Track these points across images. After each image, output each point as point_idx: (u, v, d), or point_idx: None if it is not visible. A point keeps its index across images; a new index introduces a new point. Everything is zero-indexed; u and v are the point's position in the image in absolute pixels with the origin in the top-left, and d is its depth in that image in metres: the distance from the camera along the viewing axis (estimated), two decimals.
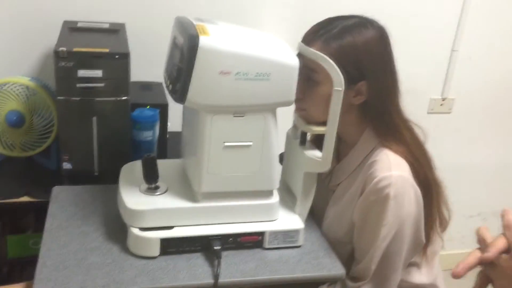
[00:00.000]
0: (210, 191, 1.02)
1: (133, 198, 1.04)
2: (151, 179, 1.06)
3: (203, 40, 0.89)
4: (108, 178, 1.30)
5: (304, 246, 1.11)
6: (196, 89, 0.91)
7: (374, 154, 1.07)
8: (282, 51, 0.96)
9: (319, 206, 1.20)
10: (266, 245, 1.08)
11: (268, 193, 1.08)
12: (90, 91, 1.23)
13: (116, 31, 1.50)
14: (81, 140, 1.27)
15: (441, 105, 2.20)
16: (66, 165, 1.30)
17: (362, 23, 1.04)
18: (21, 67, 1.59)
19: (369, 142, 1.09)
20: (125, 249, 1.03)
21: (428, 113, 2.19)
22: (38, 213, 1.51)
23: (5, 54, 1.57)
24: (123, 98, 1.26)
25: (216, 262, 1.00)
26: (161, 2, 1.70)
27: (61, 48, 1.17)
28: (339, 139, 1.15)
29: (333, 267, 1.06)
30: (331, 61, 0.98)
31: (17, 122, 1.41)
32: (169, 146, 1.54)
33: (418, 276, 1.17)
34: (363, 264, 1.08)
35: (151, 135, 1.40)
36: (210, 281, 0.97)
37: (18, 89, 1.42)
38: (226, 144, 0.98)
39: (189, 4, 1.71)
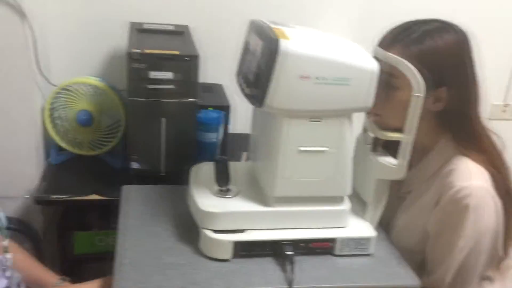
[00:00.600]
0: (283, 196, 1.02)
1: (206, 200, 1.04)
2: (223, 181, 1.06)
3: (283, 44, 0.88)
4: (174, 179, 1.32)
5: (375, 255, 1.09)
6: (275, 93, 0.91)
7: (452, 162, 1.03)
8: (361, 55, 0.95)
9: (386, 213, 1.18)
10: (337, 252, 1.06)
11: (339, 199, 1.06)
12: (160, 92, 1.25)
13: (181, 33, 1.52)
14: (149, 141, 1.29)
15: (503, 111, 2.12)
16: (134, 165, 1.32)
17: (443, 27, 1.01)
18: (88, 68, 1.63)
19: (446, 150, 1.06)
20: (197, 250, 1.04)
21: (489, 119, 2.12)
22: (102, 211, 1.55)
23: (74, 55, 1.61)
24: (192, 100, 1.28)
25: (288, 267, 1.00)
26: (222, 5, 1.71)
27: (134, 50, 1.19)
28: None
29: (407, 277, 1.03)
30: (411, 66, 0.96)
31: (87, 121, 1.45)
32: (228, 147, 1.55)
33: None
34: (437, 275, 1.05)
35: (215, 137, 1.42)
36: (284, 286, 0.97)
37: (88, 89, 1.46)
38: (301, 148, 0.98)
39: (250, 6, 1.72)
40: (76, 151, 1.50)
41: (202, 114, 1.38)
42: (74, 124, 1.46)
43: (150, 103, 1.25)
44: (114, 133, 1.48)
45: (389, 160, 1.07)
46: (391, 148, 1.12)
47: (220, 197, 1.06)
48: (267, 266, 1.02)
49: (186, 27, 1.58)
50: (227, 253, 1.01)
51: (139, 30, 1.49)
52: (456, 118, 1.03)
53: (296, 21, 1.73)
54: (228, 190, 1.07)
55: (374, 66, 0.93)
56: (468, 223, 0.99)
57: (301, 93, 0.92)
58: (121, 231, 1.08)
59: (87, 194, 1.38)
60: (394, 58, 0.98)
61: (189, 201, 1.11)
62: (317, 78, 0.90)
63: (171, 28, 1.56)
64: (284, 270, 1.01)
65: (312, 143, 0.98)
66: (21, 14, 1.22)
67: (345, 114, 0.97)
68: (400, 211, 1.15)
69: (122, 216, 1.14)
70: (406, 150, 1.02)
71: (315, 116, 0.96)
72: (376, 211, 1.12)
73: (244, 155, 1.68)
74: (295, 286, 0.96)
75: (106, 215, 1.55)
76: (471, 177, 0.99)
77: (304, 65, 0.90)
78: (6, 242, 1.04)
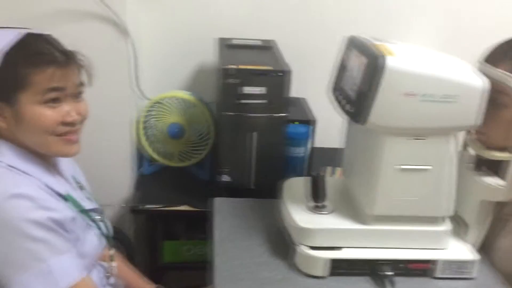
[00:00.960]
0: (381, 214, 1.00)
1: (301, 215, 1.04)
2: (319, 197, 1.06)
3: (390, 61, 0.87)
4: (263, 192, 1.32)
5: (477, 279, 1.04)
6: (379, 110, 0.89)
7: None
8: (469, 72, 0.91)
9: (486, 235, 1.12)
10: (437, 274, 1.02)
11: (440, 220, 1.03)
12: (251, 107, 1.26)
13: (269, 48, 1.54)
14: (239, 154, 1.31)
15: None
16: (225, 178, 1.34)
17: None
18: (178, 82, 1.69)
19: None
20: (292, 266, 1.03)
21: None
22: (189, 221, 1.59)
23: (165, 70, 1.67)
24: (282, 114, 1.28)
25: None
26: (306, 20, 1.71)
27: (230, 66, 1.22)
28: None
29: None
30: None
31: (178, 133, 1.50)
32: (313, 162, 1.54)
33: None
34: None
35: (303, 151, 1.41)
36: None
37: (179, 103, 1.51)
38: (403, 167, 0.95)
39: (333, 21, 1.70)
40: (166, 162, 1.55)
41: (290, 129, 1.39)
42: (166, 136, 1.51)
43: (241, 117, 1.27)
44: (203, 145, 1.52)
45: (494, 181, 1.02)
46: (492, 167, 1.07)
47: (315, 213, 1.05)
48: (364, 285, 1.00)
49: (273, 41, 1.60)
50: (324, 271, 1.01)
51: (228, 46, 1.52)
52: None
53: (384, 34, 1.70)
54: (323, 207, 1.06)
55: (484, 83, 0.90)
56: None
57: (406, 110, 0.90)
58: (217, 243, 1.10)
59: (178, 205, 1.42)
60: (503, 74, 0.94)
61: (282, 216, 1.11)
62: (423, 95, 0.88)
63: (258, 43, 1.58)
64: None
65: (414, 162, 0.95)
66: (125, 32, 1.29)
67: (450, 132, 0.94)
68: (503, 233, 1.09)
69: (216, 228, 1.16)
70: None
71: (419, 134, 0.93)
72: (479, 233, 1.07)
73: (328, 169, 1.66)
74: None
75: (193, 226, 1.60)
76: None
77: (410, 82, 0.88)
78: (112, 251, 1.09)
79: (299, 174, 1.42)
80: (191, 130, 1.52)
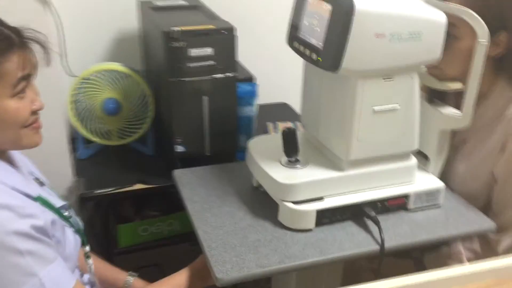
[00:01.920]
0: (358, 158, 1.01)
1: (279, 172, 1.03)
2: (292, 152, 1.05)
3: (358, 3, 0.86)
4: (219, 158, 1.29)
5: (444, 205, 1.11)
6: (351, 55, 0.89)
7: None
8: (429, 9, 0.94)
9: None
10: (411, 207, 1.08)
11: (407, 155, 1.07)
12: (200, 69, 1.20)
13: (197, 7, 1.47)
14: (193, 122, 1.26)
15: None
16: (179, 148, 1.28)
17: None
18: (103, 54, 1.56)
19: (503, 93, 1.08)
20: (278, 224, 1.03)
21: None
22: (140, 200, 1.51)
23: (87, 43, 1.53)
24: (232, 74, 1.24)
25: (373, 228, 1.01)
26: None
27: (174, 29, 1.14)
28: (460, 92, 1.13)
29: (482, 222, 1.06)
30: (475, 14, 0.96)
31: (114, 109, 1.39)
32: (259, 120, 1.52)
33: None
34: (509, 215, 1.08)
35: (251, 110, 1.39)
36: (376, 247, 0.97)
37: (110, 76, 1.39)
38: (376, 108, 0.97)
39: None
40: (105, 142, 1.44)
41: (240, 88, 1.35)
42: (101, 114, 1.40)
43: (190, 82, 1.21)
44: (143, 119, 1.43)
45: (450, 110, 1.08)
46: (442, 99, 1.14)
47: (291, 168, 1.05)
48: (351, 229, 1.02)
49: (197, 0, 1.52)
50: (310, 223, 1.01)
51: (153, 9, 1.42)
52: None
53: None
54: (297, 161, 1.06)
55: (443, 17, 0.93)
56: None
57: (376, 52, 0.90)
58: (194, 216, 1.06)
59: (130, 185, 1.33)
60: (456, 7, 0.98)
61: (258, 176, 1.09)
62: (391, 34, 0.89)
63: (184, 3, 1.50)
64: (368, 231, 1.02)
65: (384, 102, 0.97)
66: (45, 1, 1.14)
67: (415, 69, 0.97)
68: (458, 159, 1.17)
69: (187, 201, 1.11)
70: (471, 98, 1.03)
71: (388, 74, 0.95)
72: (439, 162, 1.14)
73: (270, 125, 1.66)
74: (387, 245, 0.97)
75: (146, 204, 1.52)
76: None
77: (380, 22, 0.88)
78: (88, 248, 1.00)
79: (250, 134, 1.40)
80: (128, 104, 1.42)
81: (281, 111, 1.78)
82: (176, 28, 1.14)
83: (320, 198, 1.02)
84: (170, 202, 1.52)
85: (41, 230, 0.80)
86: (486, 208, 1.13)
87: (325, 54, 0.92)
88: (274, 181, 1.02)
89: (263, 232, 1.01)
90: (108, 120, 1.42)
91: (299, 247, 0.97)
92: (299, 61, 1.75)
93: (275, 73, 1.77)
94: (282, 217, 1.03)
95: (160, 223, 1.47)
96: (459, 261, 1.15)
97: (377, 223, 1.00)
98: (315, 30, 0.94)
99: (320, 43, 0.93)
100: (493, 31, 0.99)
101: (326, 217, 1.02)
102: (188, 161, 1.29)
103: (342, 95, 0.98)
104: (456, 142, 1.18)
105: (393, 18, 0.89)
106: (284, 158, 1.06)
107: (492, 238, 1.11)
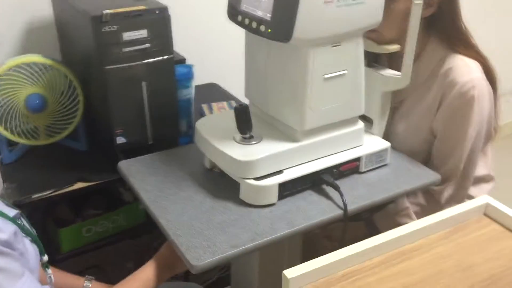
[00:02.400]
0: (311, 128, 1.02)
1: (236, 150, 1.01)
2: (247, 129, 1.03)
3: None
4: (161, 145, 1.24)
5: (391, 163, 1.15)
6: (302, 24, 0.89)
7: (447, 62, 1.12)
8: None
9: None
10: (362, 169, 1.11)
11: (355, 120, 1.10)
12: (135, 54, 1.14)
13: None
14: (133, 110, 1.19)
15: None
16: (120, 139, 1.21)
17: None
18: (17, 47, 1.42)
19: (436, 52, 1.14)
20: (240, 202, 1.01)
21: None
22: (80, 200, 1.42)
23: None
24: (169, 56, 1.19)
25: (333, 194, 1.03)
26: None
27: (104, 11, 1.06)
28: (397, 53, 1.18)
29: (428, 175, 1.12)
30: None
31: (39, 106, 1.28)
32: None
33: (478, 169, 1.28)
34: (450, 165, 1.15)
35: (190, 92, 1.35)
36: (339, 211, 0.99)
37: (30, 69, 1.28)
38: (326, 76, 0.98)
39: None
40: (31, 142, 1.33)
41: (177, 71, 1.29)
42: (25, 112, 1.28)
43: (126, 68, 1.14)
44: (73, 113, 1.33)
45: (391, 72, 1.13)
46: (380, 62, 1.18)
47: (247, 144, 1.03)
48: (313, 198, 1.03)
49: None
50: (274, 197, 1.01)
51: None
52: (446, 19, 1.10)
53: None
54: (251, 137, 1.04)
55: None
56: (475, 112, 1.09)
57: (325, 19, 0.91)
58: (151, 206, 1.01)
59: (70, 185, 1.24)
60: None
61: (213, 156, 1.06)
62: (338, 0, 0.90)
63: None
64: (329, 197, 1.04)
65: (334, 69, 0.99)
66: None
67: (360, 34, 0.99)
68: (397, 119, 1.22)
69: (141, 191, 1.06)
70: (409, 58, 1.07)
71: (336, 41, 0.96)
72: (382, 124, 1.18)
73: (205, 107, 1.63)
74: (349, 208, 1.00)
75: (87, 203, 1.43)
76: (470, 71, 1.08)
77: None
78: (46, 257, 0.91)
79: (190, 118, 1.36)
80: (54, 98, 1.31)
81: (211, 92, 1.75)
82: (106, 11, 1.07)
83: (280, 172, 1.02)
84: (111, 197, 1.45)
85: (6, 243, 0.73)
86: (426, 162, 1.20)
87: (275, 25, 0.91)
88: (232, 160, 1.00)
89: (227, 213, 0.99)
90: (34, 118, 1.30)
91: (266, 222, 0.96)
92: (224, 40, 1.74)
93: (200, 53, 1.73)
94: (244, 195, 1.01)
95: (103, 221, 1.40)
96: (407, 216, 1.21)
97: (337, 188, 1.02)
98: (261, 1, 0.93)
99: (268, 14, 0.91)
100: None
101: (288, 189, 1.02)
102: (129, 152, 1.23)
103: (293, 66, 0.98)
104: (394, 103, 1.23)
105: None
106: (238, 136, 1.04)
107: (435, 190, 1.18)
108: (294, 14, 0.87)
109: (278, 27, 0.90)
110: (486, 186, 1.28)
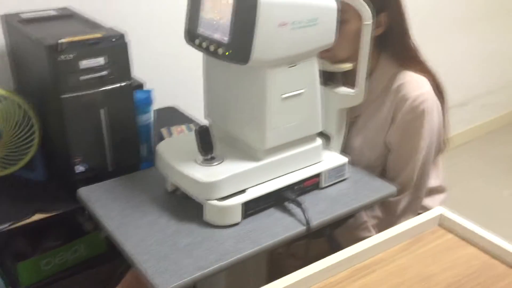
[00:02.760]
0: (272, 146, 1.04)
1: (198, 172, 1.02)
2: (208, 150, 1.04)
3: None
4: (123, 171, 1.24)
5: (350, 177, 1.19)
6: (260, 46, 0.91)
7: (398, 78, 1.17)
8: None
9: None
10: (323, 185, 1.14)
11: (313, 137, 1.13)
12: (94, 81, 1.13)
13: (70, 15, 1.38)
14: (92, 138, 1.18)
15: None
16: (79, 168, 1.19)
17: None
18: None
19: (387, 69, 1.19)
20: (205, 223, 1.02)
21: None
22: (38, 232, 1.38)
23: None
24: (127, 83, 1.19)
25: (296, 210, 1.04)
26: None
27: (60, 41, 1.06)
28: (350, 71, 1.22)
29: (385, 187, 1.16)
30: None
31: None
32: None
33: (431, 180, 1.33)
34: (404, 177, 1.19)
35: (149, 117, 1.35)
36: (303, 227, 1.01)
37: None
38: (284, 96, 1.01)
39: None
40: None
41: (136, 97, 1.29)
42: None
43: (84, 96, 1.13)
44: (29, 143, 1.30)
45: (345, 89, 1.17)
46: (334, 80, 1.22)
47: (210, 165, 1.04)
48: (276, 216, 1.05)
49: (67, 9, 1.44)
50: (238, 216, 1.02)
51: (21, 22, 1.30)
52: (396, 38, 1.16)
53: None
54: (213, 158, 1.05)
55: (334, 3, 0.99)
56: (426, 125, 1.14)
57: (281, 41, 0.94)
58: (116, 232, 1.00)
59: (27, 217, 1.21)
60: None
61: (175, 179, 1.06)
62: (293, 23, 0.93)
63: (53, 12, 1.40)
64: (292, 214, 1.05)
65: (292, 88, 1.02)
66: None
67: (314, 54, 1.03)
68: (353, 134, 1.26)
69: (103, 218, 1.05)
70: (362, 75, 1.12)
71: (292, 61, 0.99)
72: (339, 139, 1.22)
73: (164, 131, 1.62)
74: (312, 223, 1.02)
75: (45, 235, 1.39)
76: (420, 86, 1.14)
77: (282, 12, 0.92)
78: None
79: (150, 142, 1.36)
80: (8, 129, 1.28)
81: (170, 115, 1.75)
82: (62, 40, 1.06)
83: (243, 191, 1.03)
84: (71, 228, 1.42)
85: None
86: (383, 175, 1.24)
87: (234, 47, 0.93)
88: (195, 182, 1.00)
89: (192, 235, 0.99)
90: None
91: (231, 242, 0.97)
92: (182, 63, 1.75)
93: (158, 77, 1.73)
94: (208, 216, 1.02)
95: (63, 252, 1.36)
96: (366, 229, 1.25)
97: (299, 204, 1.04)
98: (218, 25, 0.95)
99: (226, 38, 0.94)
100: (375, 12, 1.09)
101: (251, 208, 1.03)
102: (89, 180, 1.21)
103: (252, 87, 1.00)
104: (350, 118, 1.27)
105: (293, 7, 0.93)
106: (199, 157, 1.05)
107: (391, 201, 1.22)
108: (252, 37, 0.90)
109: (236, 49, 0.93)
110: (439, 197, 1.34)
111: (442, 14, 2.56)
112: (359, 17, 1.06)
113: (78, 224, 1.43)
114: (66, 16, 1.38)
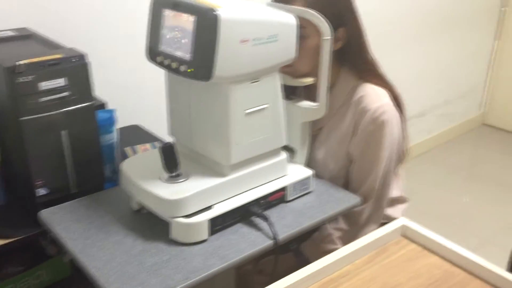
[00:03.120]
0: (237, 162, 1.05)
1: (163, 190, 1.01)
2: (173, 167, 1.04)
3: (222, 12, 0.90)
4: (86, 193, 1.21)
5: (315, 190, 1.20)
6: (222, 63, 0.92)
7: (359, 90, 1.20)
8: (280, 12, 1.02)
9: None
10: (288, 198, 1.15)
11: (278, 151, 1.14)
12: (54, 103, 1.11)
13: (28, 36, 1.36)
14: (53, 160, 1.15)
15: None
16: (41, 191, 1.16)
17: None
18: None
19: (347, 82, 1.22)
20: (171, 242, 1.01)
21: None
22: None
23: None
24: (88, 103, 1.18)
25: (262, 225, 1.05)
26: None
27: (18, 62, 1.04)
28: (312, 85, 1.24)
29: (350, 198, 1.18)
30: (318, 14, 1.07)
31: None
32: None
33: (392, 190, 1.35)
34: (366, 186, 1.22)
35: (113, 137, 1.33)
36: (270, 242, 1.02)
37: None
38: (247, 111, 1.02)
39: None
40: None
41: (98, 117, 1.27)
42: None
43: (44, 118, 1.11)
44: None
45: (308, 103, 1.19)
46: (294, 94, 1.24)
47: (175, 183, 1.04)
48: (243, 231, 1.05)
49: (25, 29, 1.41)
50: (205, 233, 1.01)
51: None
52: (354, 52, 1.19)
53: None
54: (178, 175, 1.05)
55: (294, 19, 1.02)
56: (387, 136, 1.17)
57: (243, 57, 0.95)
58: (80, 254, 0.98)
59: None
60: (301, 9, 1.08)
61: (140, 197, 1.05)
62: (254, 39, 0.95)
63: (10, 33, 1.37)
64: (259, 229, 1.06)
65: (255, 104, 1.03)
66: None
67: (276, 69, 1.04)
68: (317, 146, 1.27)
69: (66, 241, 1.02)
70: (323, 89, 1.14)
71: (255, 77, 1.01)
72: (304, 152, 1.23)
73: (128, 150, 1.61)
74: (279, 237, 1.02)
75: (5, 261, 1.34)
76: (380, 98, 1.17)
77: (243, 29, 0.93)
78: None
79: (113, 162, 1.34)
80: None
81: (134, 134, 1.73)
82: (20, 62, 1.04)
83: (209, 207, 1.03)
84: (34, 252, 1.38)
85: None
86: (345, 187, 1.26)
87: (196, 64, 0.93)
88: (161, 200, 1.00)
89: (159, 254, 0.98)
90: None
91: (199, 259, 0.96)
92: (145, 81, 1.74)
93: (121, 96, 1.72)
94: (175, 234, 1.01)
95: (26, 278, 1.32)
96: (331, 242, 1.26)
97: (265, 219, 1.05)
98: (180, 42, 0.95)
99: (188, 55, 0.94)
100: (334, 28, 1.11)
101: (218, 224, 1.03)
102: (52, 203, 1.18)
103: (215, 103, 1.00)
104: (313, 130, 1.29)
105: (253, 24, 0.95)
106: (164, 175, 1.05)
107: (354, 212, 1.24)
108: (213, 54, 0.91)
109: (199, 67, 0.93)
110: (400, 207, 1.37)
111: (399, 27, 2.64)
112: (318, 32, 1.09)
113: (41, 247, 1.39)
114: (25, 36, 1.35)
